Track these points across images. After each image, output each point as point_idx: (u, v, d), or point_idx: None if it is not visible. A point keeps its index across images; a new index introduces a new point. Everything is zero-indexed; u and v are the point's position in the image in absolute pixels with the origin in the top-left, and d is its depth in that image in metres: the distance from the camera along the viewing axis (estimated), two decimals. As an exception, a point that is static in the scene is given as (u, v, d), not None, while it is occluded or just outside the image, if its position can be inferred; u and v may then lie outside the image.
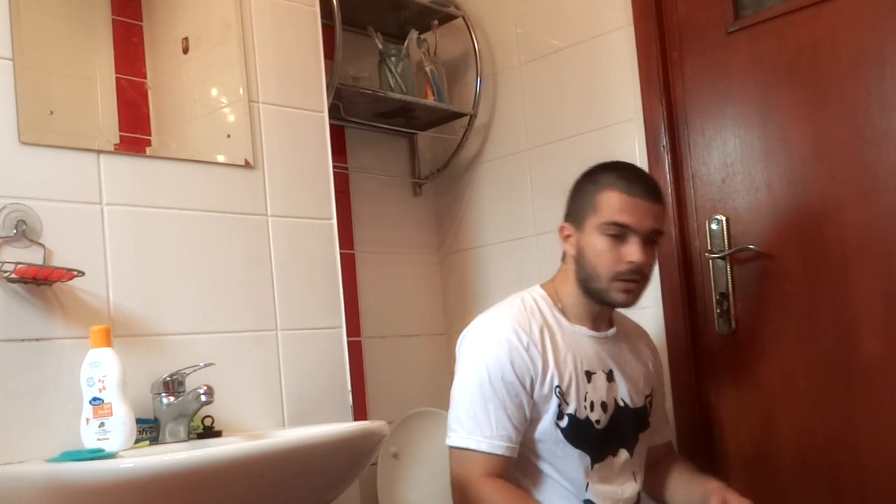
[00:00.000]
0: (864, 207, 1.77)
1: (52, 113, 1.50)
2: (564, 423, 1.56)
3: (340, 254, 1.87)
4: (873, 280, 1.76)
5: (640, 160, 2.03)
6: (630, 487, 1.64)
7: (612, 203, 1.57)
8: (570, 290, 1.64)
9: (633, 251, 1.55)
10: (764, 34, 1.89)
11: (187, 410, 1.48)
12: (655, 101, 2.01)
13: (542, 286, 1.68)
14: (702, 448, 1.97)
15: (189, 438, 1.50)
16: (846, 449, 1.80)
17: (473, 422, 1.53)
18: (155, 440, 1.49)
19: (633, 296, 1.59)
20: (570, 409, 1.57)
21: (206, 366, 1.53)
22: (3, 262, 1.37)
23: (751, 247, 1.90)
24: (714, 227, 1.95)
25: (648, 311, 2.01)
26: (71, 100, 1.54)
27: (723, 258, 1.95)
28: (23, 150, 1.44)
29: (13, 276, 1.37)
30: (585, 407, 1.58)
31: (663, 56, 2.01)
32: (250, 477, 1.26)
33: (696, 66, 1.99)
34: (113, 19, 1.60)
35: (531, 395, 1.55)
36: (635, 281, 1.58)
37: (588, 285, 1.60)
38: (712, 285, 1.96)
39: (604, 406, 1.60)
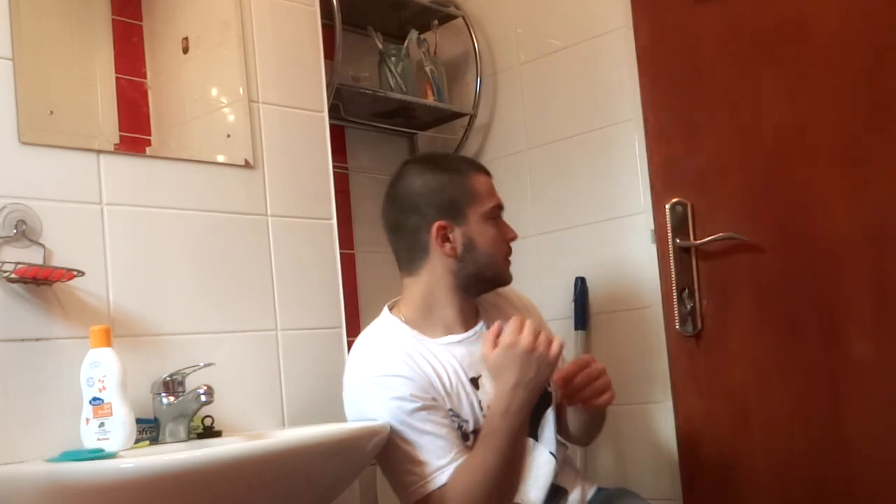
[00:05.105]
0: (854, 197, 1.66)
1: (52, 113, 1.50)
2: (470, 442, 1.52)
3: (340, 254, 1.87)
4: (862, 274, 1.65)
5: (640, 160, 2.02)
6: (549, 465, 1.58)
7: (486, 187, 1.62)
8: (431, 303, 1.60)
9: (510, 230, 1.64)
10: (738, 3, 1.74)
11: (187, 410, 1.48)
12: (655, 101, 1.98)
13: (391, 311, 1.63)
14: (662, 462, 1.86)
15: (189, 438, 1.50)
16: (832, 462, 1.68)
17: (419, 465, 1.46)
18: (155, 440, 1.48)
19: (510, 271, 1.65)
20: (470, 427, 1.53)
21: (206, 366, 1.53)
22: (3, 262, 1.37)
23: (722, 235, 1.75)
24: (678, 210, 1.80)
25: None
26: (71, 100, 1.54)
27: (687, 248, 1.79)
28: (23, 150, 1.44)
29: (13, 276, 1.37)
30: (483, 416, 1.53)
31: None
32: (250, 477, 1.26)
33: (660, 38, 1.85)
34: (113, 19, 1.60)
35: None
36: (510, 256, 1.64)
37: (482, 276, 1.60)
38: (672, 279, 1.80)
39: None
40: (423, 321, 1.60)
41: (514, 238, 1.65)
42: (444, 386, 1.53)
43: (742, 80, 1.78)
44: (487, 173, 1.66)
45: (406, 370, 1.51)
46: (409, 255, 1.63)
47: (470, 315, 1.65)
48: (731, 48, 1.79)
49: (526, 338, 1.44)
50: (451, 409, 1.53)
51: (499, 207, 1.63)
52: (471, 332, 1.62)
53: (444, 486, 1.46)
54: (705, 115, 1.82)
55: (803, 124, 1.72)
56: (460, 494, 1.45)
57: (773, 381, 1.75)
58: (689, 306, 1.78)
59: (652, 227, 1.93)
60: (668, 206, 1.82)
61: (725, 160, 1.80)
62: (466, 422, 1.54)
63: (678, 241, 1.80)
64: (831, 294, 1.69)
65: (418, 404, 1.48)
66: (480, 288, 1.65)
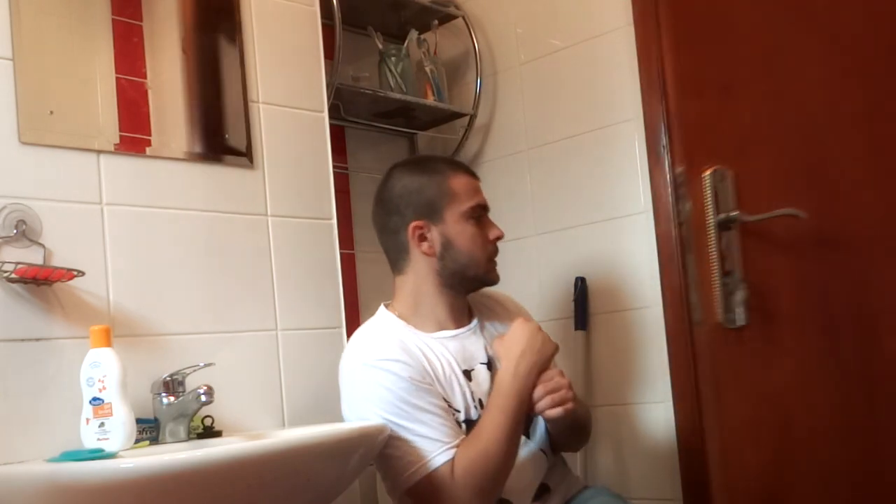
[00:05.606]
0: (891, 180, 1.53)
1: (52, 113, 1.50)
2: (463, 430, 1.55)
3: (340, 254, 1.87)
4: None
5: (640, 160, 2.02)
6: (539, 462, 1.61)
7: (467, 187, 1.64)
8: (420, 300, 1.63)
9: (495, 229, 1.65)
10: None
11: (187, 410, 1.48)
12: (655, 102, 1.99)
13: (388, 308, 1.66)
14: (696, 476, 1.77)
15: (189, 438, 1.50)
16: (883, 476, 1.56)
17: (423, 442, 1.48)
18: (155, 440, 1.48)
19: (497, 271, 1.66)
20: (462, 417, 1.56)
21: (206, 366, 1.53)
22: (3, 262, 1.37)
23: (783, 211, 1.52)
24: (719, 179, 1.60)
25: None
26: (71, 100, 1.54)
27: (729, 225, 1.56)
28: (23, 149, 1.44)
29: (13, 276, 1.37)
30: (475, 407, 1.57)
31: (663, 56, 1.97)
32: (250, 477, 1.26)
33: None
34: (113, 19, 1.60)
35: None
36: (496, 256, 1.65)
37: (465, 275, 1.62)
38: (714, 260, 1.62)
39: None
40: (415, 317, 1.63)
41: (499, 237, 1.65)
42: (437, 375, 1.55)
43: (776, 42, 1.60)
44: (470, 173, 1.68)
45: (403, 356, 1.54)
46: (395, 256, 1.67)
47: (462, 313, 1.67)
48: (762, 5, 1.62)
49: (535, 321, 1.63)
50: (444, 399, 1.54)
51: (480, 207, 1.64)
52: (464, 329, 1.64)
53: (449, 461, 1.47)
54: (738, 77, 1.61)
55: (834, 99, 1.56)
56: (469, 464, 1.46)
57: (815, 383, 1.62)
58: (739, 294, 1.56)
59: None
60: (706, 175, 1.61)
61: (762, 129, 1.61)
62: (458, 412, 1.56)
63: (728, 214, 1.58)
64: (866, 286, 1.55)
65: (419, 386, 1.51)
66: (467, 286, 1.66)
